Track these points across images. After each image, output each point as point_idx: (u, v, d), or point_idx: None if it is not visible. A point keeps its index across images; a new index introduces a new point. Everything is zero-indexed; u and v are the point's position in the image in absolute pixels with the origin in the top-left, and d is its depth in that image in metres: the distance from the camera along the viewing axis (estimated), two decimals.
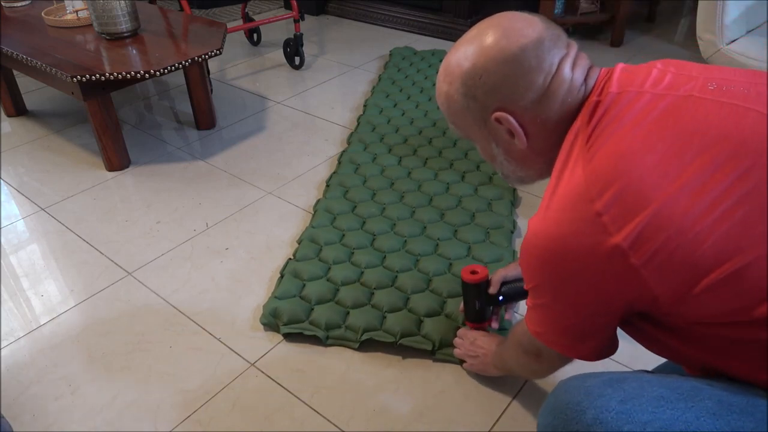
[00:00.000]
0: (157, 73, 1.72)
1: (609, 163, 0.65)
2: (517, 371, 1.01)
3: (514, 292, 1.17)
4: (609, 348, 0.80)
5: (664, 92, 0.68)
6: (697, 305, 0.63)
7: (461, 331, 1.19)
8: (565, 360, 0.85)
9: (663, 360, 0.95)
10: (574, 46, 0.76)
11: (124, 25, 1.91)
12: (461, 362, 1.21)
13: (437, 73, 2.69)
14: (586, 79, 0.74)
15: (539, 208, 0.72)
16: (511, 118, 0.74)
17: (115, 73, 1.69)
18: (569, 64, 0.73)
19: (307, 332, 1.27)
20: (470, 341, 1.16)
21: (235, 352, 1.27)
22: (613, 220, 0.63)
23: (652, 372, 0.79)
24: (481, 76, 0.74)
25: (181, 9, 2.39)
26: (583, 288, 0.69)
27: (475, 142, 0.84)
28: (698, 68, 0.72)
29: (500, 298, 1.17)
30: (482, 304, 1.17)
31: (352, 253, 1.48)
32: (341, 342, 1.27)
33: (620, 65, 0.75)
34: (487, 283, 1.17)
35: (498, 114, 0.75)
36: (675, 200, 0.61)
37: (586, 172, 0.66)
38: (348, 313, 1.31)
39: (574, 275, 0.68)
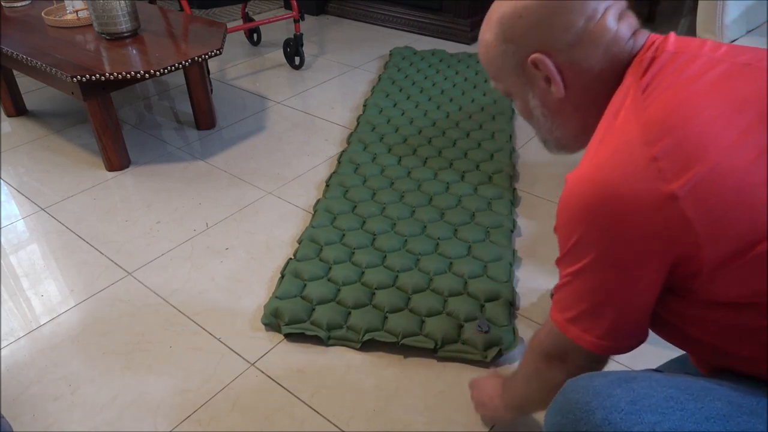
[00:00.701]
0: (157, 73, 1.72)
1: (667, 111, 0.62)
2: (530, 398, 0.90)
3: None
4: (642, 334, 0.74)
5: (723, 58, 0.66)
6: (734, 277, 0.62)
7: (472, 382, 1.11)
8: (593, 361, 0.77)
9: (666, 360, 0.95)
10: (623, 2, 0.73)
11: (124, 25, 1.91)
12: (464, 360, 1.21)
13: (437, 72, 2.67)
14: (634, 36, 0.71)
15: (581, 162, 0.68)
16: (548, 61, 0.72)
17: (115, 73, 1.69)
18: (614, 15, 0.71)
19: (308, 332, 1.27)
20: (476, 388, 1.09)
21: (235, 352, 1.27)
22: (670, 166, 0.60)
23: (660, 371, 0.77)
24: (521, 15, 0.72)
25: (181, 9, 2.39)
26: (630, 238, 0.63)
27: (514, 97, 0.81)
28: (750, 47, 0.70)
29: None
30: None
31: (353, 252, 1.48)
32: (343, 342, 1.27)
33: (672, 33, 0.73)
34: None
35: (535, 56, 0.72)
36: (734, 157, 0.59)
37: (641, 119, 0.63)
38: (349, 313, 1.31)
39: (623, 224, 0.63)
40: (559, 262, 0.73)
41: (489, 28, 0.77)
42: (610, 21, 0.70)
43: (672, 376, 0.66)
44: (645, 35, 0.72)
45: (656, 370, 0.74)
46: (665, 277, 0.66)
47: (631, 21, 0.72)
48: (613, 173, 0.63)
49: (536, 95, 0.77)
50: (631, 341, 0.73)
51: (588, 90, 0.73)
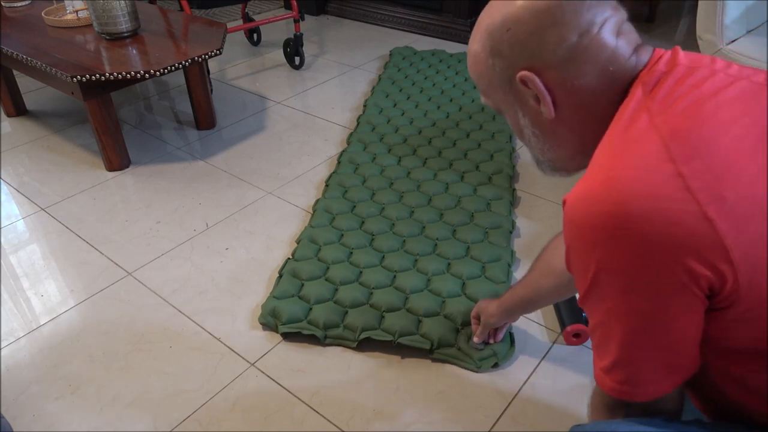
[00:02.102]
0: (157, 73, 1.72)
1: (689, 127, 0.57)
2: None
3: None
4: (695, 364, 0.64)
5: (739, 75, 0.62)
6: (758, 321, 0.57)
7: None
8: (657, 405, 0.66)
9: None
10: (623, 13, 0.67)
11: (124, 25, 1.91)
12: (460, 362, 1.21)
13: (437, 73, 2.66)
14: (636, 52, 0.65)
15: (584, 180, 0.61)
16: (536, 80, 0.65)
17: (115, 73, 1.69)
18: (612, 29, 0.65)
19: (305, 332, 1.27)
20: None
21: (235, 352, 1.27)
22: (702, 187, 0.54)
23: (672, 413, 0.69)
24: (509, 28, 0.66)
25: (181, 9, 2.39)
26: (665, 260, 0.55)
27: (504, 114, 0.75)
28: (761, 70, 0.66)
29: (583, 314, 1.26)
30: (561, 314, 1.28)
31: (351, 252, 1.49)
32: (339, 341, 1.27)
33: (678, 48, 0.67)
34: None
35: (523, 74, 0.66)
36: (758, 187, 0.55)
37: (662, 133, 0.58)
38: (346, 312, 1.31)
39: (654, 244, 0.55)
40: (583, 302, 0.64)
41: (477, 38, 0.70)
42: (608, 36, 0.64)
43: (686, 428, 0.64)
44: (649, 51, 0.67)
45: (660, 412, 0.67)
46: (705, 307, 0.59)
47: (632, 36, 0.67)
48: (634, 188, 0.55)
49: (526, 114, 0.71)
50: (685, 374, 0.64)
51: (583, 110, 0.67)
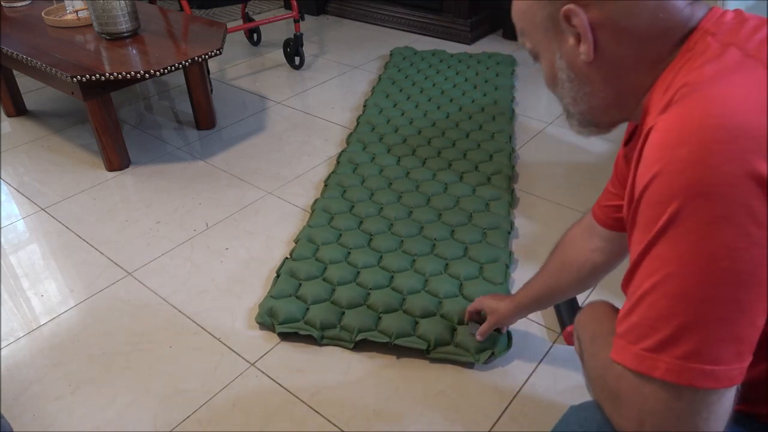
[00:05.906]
0: (157, 73, 1.73)
1: None
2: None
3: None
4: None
5: None
6: None
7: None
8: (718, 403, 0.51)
9: None
10: None
11: (124, 25, 1.91)
12: (456, 362, 1.22)
13: (437, 73, 2.66)
14: (691, 5, 0.60)
15: (672, 109, 0.54)
16: (582, 14, 0.60)
17: (115, 73, 1.69)
18: None
19: (302, 332, 1.28)
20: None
21: (235, 352, 1.27)
22: None
23: None
24: None
25: (181, 9, 2.40)
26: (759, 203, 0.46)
27: (540, 57, 0.69)
28: None
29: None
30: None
31: (349, 252, 1.49)
32: (336, 342, 1.27)
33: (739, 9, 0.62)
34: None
35: (568, 7, 0.60)
36: None
37: (766, 64, 0.52)
38: (343, 313, 1.31)
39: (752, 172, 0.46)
40: (644, 253, 0.53)
41: None
42: None
43: None
44: (704, 7, 0.60)
45: None
46: None
47: None
48: (747, 101, 0.49)
49: (564, 55, 0.65)
50: (748, 358, 0.50)
51: (625, 57, 0.61)
